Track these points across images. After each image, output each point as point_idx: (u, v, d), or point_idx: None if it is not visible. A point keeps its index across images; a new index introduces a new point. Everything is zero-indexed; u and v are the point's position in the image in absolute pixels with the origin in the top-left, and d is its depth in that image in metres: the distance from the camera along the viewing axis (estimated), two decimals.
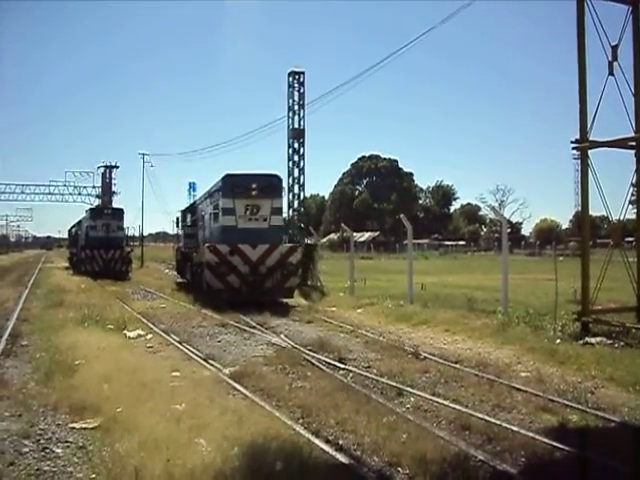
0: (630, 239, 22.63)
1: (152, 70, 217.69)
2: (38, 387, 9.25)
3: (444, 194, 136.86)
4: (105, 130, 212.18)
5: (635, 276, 13.88)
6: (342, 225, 32.09)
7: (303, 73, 31.57)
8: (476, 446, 6.58)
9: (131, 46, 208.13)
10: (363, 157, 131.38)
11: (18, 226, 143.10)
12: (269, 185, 22.53)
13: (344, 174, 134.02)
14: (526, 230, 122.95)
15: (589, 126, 13.74)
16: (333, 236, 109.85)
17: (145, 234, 77.72)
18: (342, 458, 6.20)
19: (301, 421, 7.50)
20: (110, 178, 65.48)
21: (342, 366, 10.90)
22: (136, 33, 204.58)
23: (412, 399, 8.66)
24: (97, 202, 64.38)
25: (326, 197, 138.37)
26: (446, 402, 8.42)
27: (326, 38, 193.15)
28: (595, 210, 15.18)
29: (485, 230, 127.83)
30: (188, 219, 32.48)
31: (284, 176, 30.76)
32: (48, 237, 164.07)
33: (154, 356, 11.99)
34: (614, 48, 13.66)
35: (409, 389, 9.15)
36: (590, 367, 10.44)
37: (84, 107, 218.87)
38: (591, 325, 13.49)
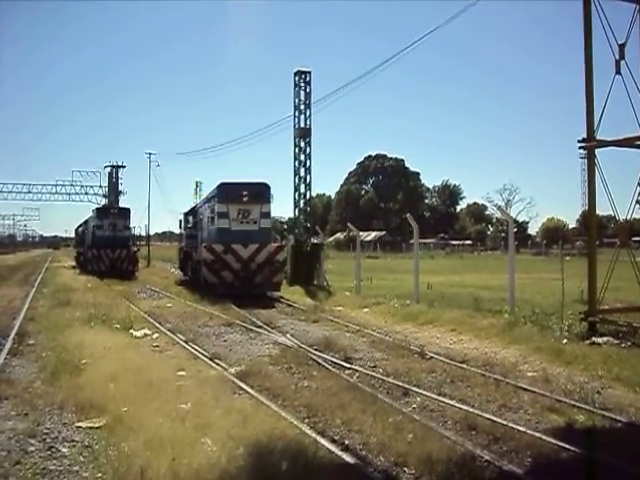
0: (637, 238, 22.60)
1: (158, 69, 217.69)
2: (44, 386, 9.28)
3: (450, 193, 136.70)
4: (112, 130, 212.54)
5: None
6: (348, 225, 32.29)
7: (309, 72, 31.72)
8: (482, 446, 6.56)
9: (136, 45, 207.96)
10: (369, 156, 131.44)
11: (25, 225, 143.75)
12: (259, 192, 25.46)
13: (350, 173, 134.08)
14: (532, 229, 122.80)
15: (596, 125, 13.70)
16: (339, 235, 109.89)
17: (151, 233, 77.95)
18: (348, 458, 6.19)
19: (307, 421, 7.49)
20: (116, 178, 65.57)
21: (348, 366, 10.89)
22: (141, 31, 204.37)
23: (418, 399, 8.65)
24: (104, 202, 64.47)
25: (332, 196, 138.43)
26: (452, 402, 8.40)
27: (331, 37, 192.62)
28: (602, 209, 15.14)
29: (491, 229, 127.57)
30: (190, 221, 34.49)
31: (290, 175, 31.02)
32: (55, 236, 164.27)
33: (160, 355, 11.99)
34: (621, 47, 13.61)
35: (415, 389, 9.13)
36: (597, 367, 10.40)
37: (91, 106, 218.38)
38: (598, 325, 13.45)
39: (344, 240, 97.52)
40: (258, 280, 24.47)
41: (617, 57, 13.60)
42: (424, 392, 8.94)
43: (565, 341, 12.56)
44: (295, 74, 31.53)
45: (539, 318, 14.79)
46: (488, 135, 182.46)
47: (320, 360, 11.34)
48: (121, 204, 58.05)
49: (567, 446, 6.46)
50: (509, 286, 16.26)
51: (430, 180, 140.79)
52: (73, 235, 73.18)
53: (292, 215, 33.64)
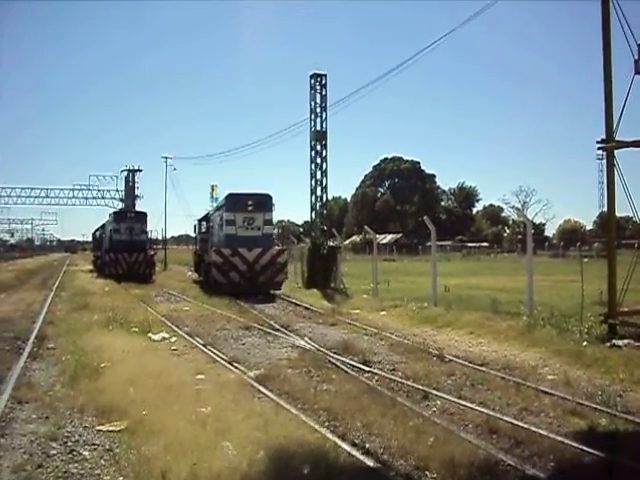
0: None
1: (174, 71, 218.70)
2: (64, 390, 9.34)
3: (466, 195, 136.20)
4: (128, 134, 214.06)
5: None
6: (365, 227, 32.48)
7: (325, 75, 31.69)
8: (504, 450, 6.52)
9: (152, 46, 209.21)
10: (385, 159, 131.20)
11: (43, 230, 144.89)
12: (262, 202, 28.66)
13: (366, 176, 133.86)
14: (549, 231, 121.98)
15: (615, 125, 13.58)
16: (355, 238, 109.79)
17: (168, 237, 78.20)
18: (369, 462, 6.17)
19: (327, 424, 7.47)
20: (133, 182, 65.91)
21: (367, 369, 10.86)
22: (156, 33, 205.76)
23: (438, 402, 8.62)
24: (120, 205, 64.78)
25: (348, 199, 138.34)
26: (473, 405, 8.36)
27: (347, 39, 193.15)
28: (619, 211, 14.97)
29: (508, 231, 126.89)
30: (203, 227, 36.96)
31: (307, 178, 31.06)
32: (72, 240, 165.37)
33: (178, 359, 12.02)
34: None
35: (435, 392, 9.09)
36: (618, 370, 10.30)
37: (107, 110, 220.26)
38: (618, 327, 13.30)
39: (360, 243, 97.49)
40: (262, 280, 27.34)
41: (636, 57, 13.47)
42: (444, 395, 8.91)
43: (585, 344, 12.42)
44: (311, 77, 31.51)
45: (558, 320, 14.64)
46: (504, 137, 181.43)
47: (339, 363, 11.32)
48: (138, 208, 58.28)
49: (589, 450, 6.41)
50: (528, 288, 16.13)
51: (446, 182, 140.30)
52: (90, 239, 73.52)
53: (308, 218, 33.62)
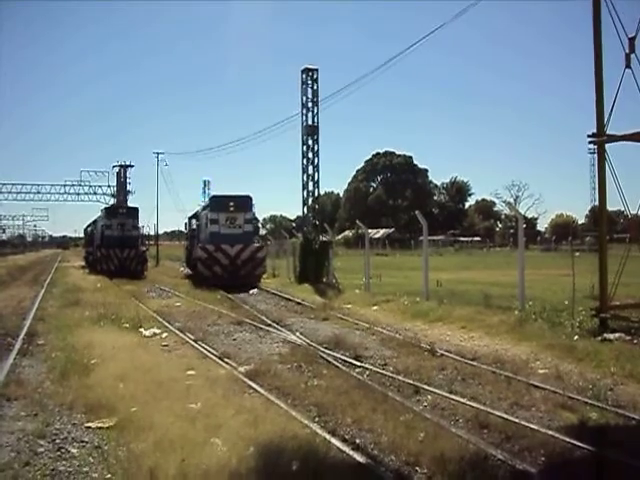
0: None
1: (165, 70, 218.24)
2: (54, 386, 9.26)
3: (459, 190, 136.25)
4: (120, 129, 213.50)
5: None
6: (357, 222, 32.61)
7: (316, 70, 31.69)
8: (495, 445, 6.49)
9: (144, 47, 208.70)
10: (377, 154, 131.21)
11: (35, 226, 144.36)
12: (242, 203, 31.49)
13: (358, 171, 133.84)
14: (541, 225, 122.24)
15: (606, 120, 13.57)
16: (348, 233, 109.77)
17: (160, 233, 78.11)
18: (359, 457, 6.13)
19: (317, 420, 7.44)
20: (125, 177, 65.77)
21: (358, 364, 10.82)
22: (148, 33, 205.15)
23: (429, 397, 8.59)
24: (112, 201, 64.63)
25: (341, 194, 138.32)
26: (463, 400, 8.33)
27: (337, 38, 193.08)
28: (612, 205, 14.99)
29: (500, 226, 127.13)
30: (193, 224, 38.62)
31: (298, 173, 31.09)
32: (64, 236, 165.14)
33: (169, 355, 11.97)
34: (631, 40, 13.46)
35: (426, 387, 9.06)
36: (609, 364, 10.30)
37: (98, 106, 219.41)
38: (609, 321, 13.31)
39: (353, 238, 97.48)
40: (243, 273, 30.00)
41: (627, 50, 13.46)
42: (435, 390, 8.87)
43: (576, 337, 12.43)
44: (302, 72, 31.44)
45: (550, 315, 14.65)
46: (496, 132, 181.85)
47: (330, 358, 11.29)
48: (130, 203, 58.16)
49: (580, 444, 6.39)
50: (519, 282, 16.13)
51: (438, 177, 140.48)
52: (82, 235, 73.32)
53: (300, 213, 33.60)
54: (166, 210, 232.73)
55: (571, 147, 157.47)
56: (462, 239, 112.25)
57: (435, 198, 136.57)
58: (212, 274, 29.81)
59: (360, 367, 10.59)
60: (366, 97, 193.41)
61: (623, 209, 14.67)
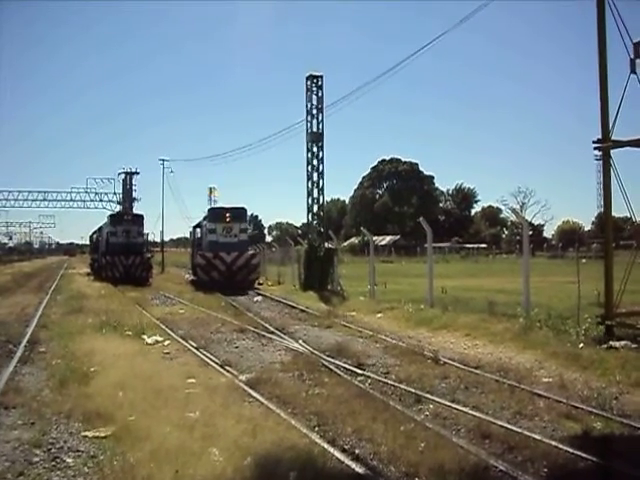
0: None
1: (170, 76, 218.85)
2: (52, 395, 9.20)
3: (465, 197, 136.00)
4: (126, 136, 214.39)
5: None
6: (362, 229, 32.75)
7: (321, 77, 31.60)
8: (496, 455, 6.38)
9: (149, 51, 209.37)
10: (383, 160, 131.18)
11: (41, 232, 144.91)
12: (238, 214, 35.06)
13: (364, 178, 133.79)
14: (548, 232, 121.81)
15: (611, 125, 13.46)
16: (354, 240, 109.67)
17: (166, 239, 78.04)
18: (358, 468, 6.03)
19: (317, 429, 7.33)
20: (130, 184, 65.87)
21: (360, 372, 10.72)
22: (154, 37, 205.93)
23: (431, 406, 8.48)
24: (118, 208, 64.73)
25: (346, 201, 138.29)
26: (466, 409, 8.22)
27: (343, 41, 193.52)
28: (617, 211, 14.82)
29: (507, 233, 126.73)
30: (197, 233, 40.35)
31: (304, 180, 31.10)
32: (71, 243, 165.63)
33: (171, 362, 11.89)
34: (636, 45, 13.35)
35: (428, 395, 8.96)
36: (614, 372, 10.17)
37: (105, 113, 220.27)
38: (615, 329, 13.17)
39: (359, 244, 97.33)
40: (238, 278, 32.80)
41: (632, 56, 13.35)
42: (437, 399, 8.77)
43: (581, 345, 12.30)
44: (307, 78, 31.38)
45: (555, 322, 14.51)
46: (502, 139, 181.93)
47: (332, 366, 11.18)
48: (135, 211, 58.22)
49: (584, 455, 6.28)
50: (524, 290, 15.98)
51: (444, 184, 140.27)
52: (88, 242, 73.46)
53: (306, 220, 33.57)
54: (172, 217, 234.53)
55: (577, 153, 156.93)
56: (468, 246, 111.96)
57: (441, 205, 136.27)
58: (210, 279, 32.74)
59: (362, 375, 10.49)
60: (371, 103, 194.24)
61: (629, 215, 14.54)
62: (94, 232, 55.48)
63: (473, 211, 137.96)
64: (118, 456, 6.35)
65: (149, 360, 11.80)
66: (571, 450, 6.43)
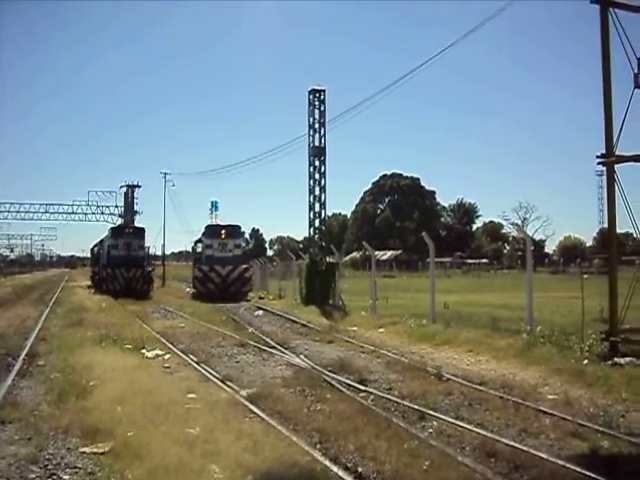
0: None
1: (173, 89, 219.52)
2: (50, 409, 9.08)
3: (466, 212, 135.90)
4: (127, 149, 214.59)
5: None
6: (364, 244, 32.75)
7: (324, 91, 31.57)
8: (503, 475, 6.27)
9: (153, 62, 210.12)
10: (385, 175, 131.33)
11: (43, 245, 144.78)
12: (232, 231, 38.69)
13: (366, 192, 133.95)
14: (549, 248, 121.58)
15: (615, 140, 13.39)
16: (355, 254, 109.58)
17: (167, 253, 78.05)
18: None
19: (319, 446, 7.20)
20: (132, 197, 65.67)
21: (363, 388, 10.60)
22: (157, 48, 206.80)
23: (435, 423, 8.35)
24: (120, 221, 64.59)
25: (348, 216, 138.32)
26: (470, 426, 8.10)
27: (345, 56, 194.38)
28: (620, 227, 14.70)
29: (508, 248, 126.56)
30: (198, 248, 41.87)
31: (305, 194, 31.14)
32: (72, 256, 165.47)
33: (171, 377, 11.76)
34: None
35: (432, 412, 8.83)
36: (620, 389, 10.05)
37: (107, 125, 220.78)
38: (620, 345, 13.05)
39: (360, 259, 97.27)
40: (232, 290, 35.82)
41: (636, 70, 13.31)
42: (441, 416, 8.64)
43: (586, 362, 12.18)
44: (309, 92, 31.36)
45: (558, 338, 14.36)
46: (503, 154, 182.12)
47: (334, 382, 11.04)
48: (137, 224, 58.03)
49: (593, 475, 6.14)
50: (527, 305, 15.86)
51: (446, 199, 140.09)
52: (89, 255, 73.37)
53: (307, 234, 33.49)
54: (173, 231, 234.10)
55: (579, 168, 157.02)
56: (469, 261, 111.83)
57: (442, 220, 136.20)
58: (207, 290, 36.10)
59: (364, 391, 10.36)
60: (372, 117, 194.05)
61: (632, 231, 14.41)
62: (95, 245, 55.41)
63: (474, 226, 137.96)
64: (116, 473, 6.24)
65: (149, 374, 11.65)
66: (579, 469, 6.30)
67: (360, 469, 6.46)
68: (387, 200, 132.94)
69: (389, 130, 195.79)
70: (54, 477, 6.31)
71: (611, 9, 13.39)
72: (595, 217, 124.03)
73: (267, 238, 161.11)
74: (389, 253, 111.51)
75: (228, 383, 11.00)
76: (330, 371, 12.13)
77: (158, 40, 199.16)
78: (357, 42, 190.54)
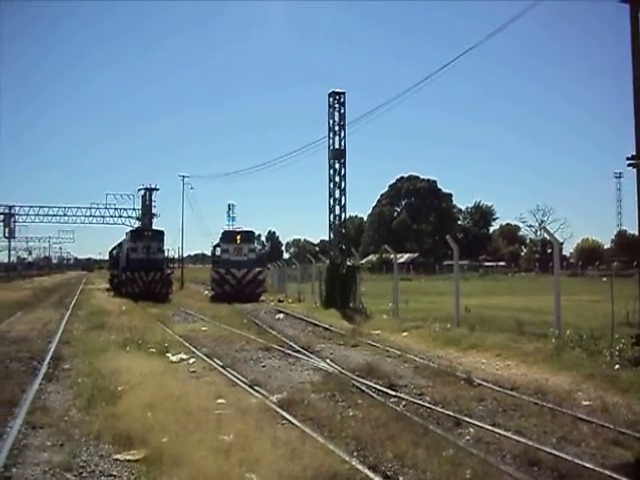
0: None
1: (191, 91, 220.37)
2: (80, 414, 9.01)
3: (483, 214, 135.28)
4: (145, 153, 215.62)
5: None
6: (385, 246, 32.86)
7: (343, 93, 31.47)
8: None
9: (172, 65, 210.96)
10: (401, 178, 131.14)
11: (60, 248, 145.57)
12: (247, 236, 41.40)
13: (382, 195, 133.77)
14: (567, 250, 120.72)
15: None
16: (372, 257, 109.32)
17: (185, 256, 78.11)
18: None
19: (356, 454, 7.05)
20: (150, 200, 65.82)
21: (393, 393, 10.44)
22: (176, 51, 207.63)
23: (471, 430, 8.18)
24: (137, 224, 64.77)
25: (364, 218, 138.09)
26: (508, 433, 7.92)
27: (364, 60, 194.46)
28: (635, 228, 14.41)
29: (525, 250, 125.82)
30: (217, 252, 43.07)
31: (323, 196, 31.22)
32: (89, 259, 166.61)
33: (198, 382, 11.63)
34: None
35: (467, 419, 8.67)
36: None
37: (125, 130, 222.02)
38: None
39: (377, 262, 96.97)
40: (247, 292, 37.94)
41: None
42: (476, 422, 8.47)
43: (617, 367, 11.95)
44: (329, 95, 31.27)
45: (587, 342, 14.14)
46: (521, 156, 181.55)
47: (364, 387, 10.90)
48: (155, 226, 58.14)
49: None
50: (555, 309, 15.58)
51: (462, 201, 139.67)
52: (107, 257, 73.60)
53: (325, 237, 33.47)
54: (191, 234, 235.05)
55: (596, 171, 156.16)
56: (487, 264, 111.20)
57: (459, 223, 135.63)
58: (223, 291, 38.29)
59: (395, 397, 10.21)
60: (390, 121, 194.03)
61: None
62: (114, 248, 55.53)
63: (491, 229, 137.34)
64: None
65: (176, 379, 11.54)
66: None
67: (401, 478, 6.34)
68: (404, 203, 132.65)
69: (404, 134, 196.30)
70: None
71: None
72: (612, 219, 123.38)
73: (283, 241, 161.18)
74: (406, 256, 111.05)
75: (257, 388, 10.87)
76: (358, 376, 11.96)
77: (178, 45, 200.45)
78: (373, 50, 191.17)
